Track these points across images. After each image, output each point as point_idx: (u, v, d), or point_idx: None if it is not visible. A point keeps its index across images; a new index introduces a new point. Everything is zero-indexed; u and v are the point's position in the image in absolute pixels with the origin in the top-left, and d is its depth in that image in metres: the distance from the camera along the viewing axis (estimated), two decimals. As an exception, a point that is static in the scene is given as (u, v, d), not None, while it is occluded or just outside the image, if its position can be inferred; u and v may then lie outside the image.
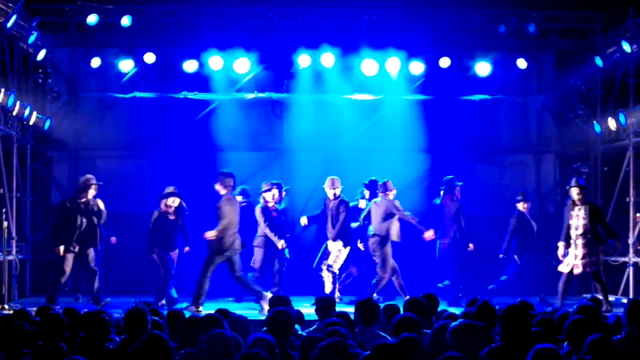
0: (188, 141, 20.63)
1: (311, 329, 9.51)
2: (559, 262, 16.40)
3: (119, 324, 9.15)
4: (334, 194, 17.30)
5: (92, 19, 18.59)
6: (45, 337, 8.28)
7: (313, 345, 7.30)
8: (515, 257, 17.94)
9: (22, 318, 8.91)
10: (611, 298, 16.54)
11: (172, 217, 16.93)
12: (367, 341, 8.59)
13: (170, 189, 17.14)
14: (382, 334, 8.94)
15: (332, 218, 17.27)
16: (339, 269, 17.28)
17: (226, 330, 7.87)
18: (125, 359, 7.38)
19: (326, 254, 17.34)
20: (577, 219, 15.99)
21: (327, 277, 17.05)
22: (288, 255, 17.88)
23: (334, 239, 17.16)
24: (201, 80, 19.98)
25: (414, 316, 8.54)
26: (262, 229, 17.73)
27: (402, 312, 9.39)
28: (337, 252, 17.12)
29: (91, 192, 16.57)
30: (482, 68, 19.53)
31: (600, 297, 15.17)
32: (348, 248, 17.18)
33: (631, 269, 17.54)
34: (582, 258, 15.82)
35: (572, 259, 15.91)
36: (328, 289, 16.95)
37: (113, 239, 18.06)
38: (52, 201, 20.34)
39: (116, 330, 9.06)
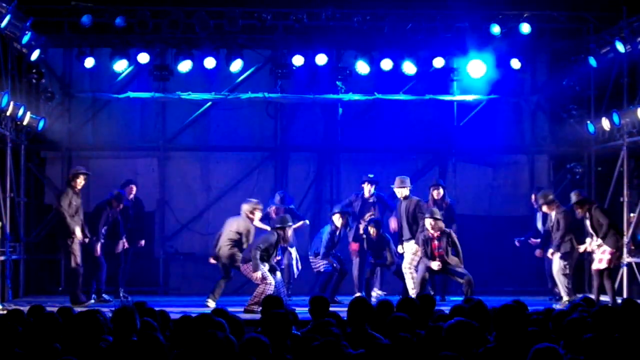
0: (182, 141, 20.63)
1: (305, 329, 9.49)
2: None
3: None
4: (402, 194, 17.21)
5: (85, 19, 18.55)
6: (40, 337, 8.27)
7: (306, 345, 7.29)
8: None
9: (16, 318, 8.90)
10: (605, 298, 16.56)
11: None
12: (360, 341, 8.57)
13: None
14: (376, 334, 8.92)
15: (408, 218, 17.16)
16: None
17: (219, 330, 7.85)
18: (118, 358, 7.37)
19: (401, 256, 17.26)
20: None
21: (410, 278, 16.87)
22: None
23: (409, 239, 17.07)
24: (195, 81, 19.97)
25: (406, 316, 8.53)
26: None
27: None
28: (414, 252, 17.00)
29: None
30: (476, 68, 19.52)
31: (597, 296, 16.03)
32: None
33: (625, 269, 17.55)
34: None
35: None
36: (410, 288, 16.78)
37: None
38: (46, 201, 20.34)
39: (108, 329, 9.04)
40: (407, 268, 16.96)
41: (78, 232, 16.98)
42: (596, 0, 19.36)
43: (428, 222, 16.32)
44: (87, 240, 17.17)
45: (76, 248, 16.88)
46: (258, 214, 17.05)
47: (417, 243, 16.70)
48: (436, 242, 16.26)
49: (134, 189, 18.74)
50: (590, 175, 20.03)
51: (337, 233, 17.48)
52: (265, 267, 15.88)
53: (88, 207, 18.23)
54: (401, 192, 17.25)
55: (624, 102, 18.11)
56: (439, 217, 16.36)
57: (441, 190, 18.30)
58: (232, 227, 16.81)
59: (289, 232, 16.24)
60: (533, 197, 18.53)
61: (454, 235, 16.48)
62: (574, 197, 16.95)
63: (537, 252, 18.07)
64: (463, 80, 19.95)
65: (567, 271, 17.17)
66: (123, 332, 7.99)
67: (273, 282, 15.77)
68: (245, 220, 16.82)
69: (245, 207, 16.85)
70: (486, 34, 19.20)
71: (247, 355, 6.99)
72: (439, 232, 16.26)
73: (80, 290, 16.85)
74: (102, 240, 17.70)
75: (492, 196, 20.81)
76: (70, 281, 17.08)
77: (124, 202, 17.90)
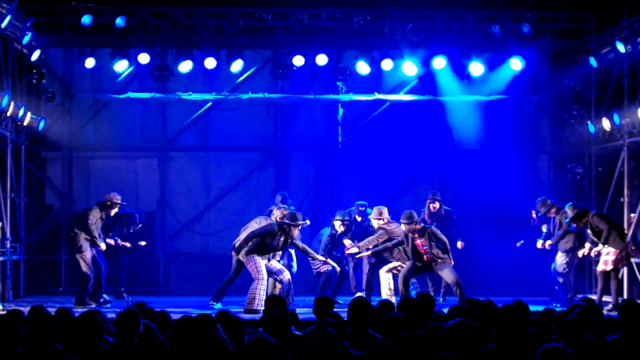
0: (182, 142, 20.63)
1: (308, 329, 9.49)
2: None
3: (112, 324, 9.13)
4: (378, 224, 17.09)
5: (86, 19, 18.55)
6: (40, 337, 8.26)
7: (304, 345, 7.28)
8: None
9: (16, 319, 8.90)
10: (607, 298, 16.56)
11: None
12: (360, 342, 8.57)
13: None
14: (376, 334, 8.92)
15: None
16: None
17: (218, 331, 7.86)
18: (119, 359, 7.36)
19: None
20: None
21: (385, 284, 16.94)
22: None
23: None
24: (195, 81, 19.96)
25: (402, 315, 8.53)
26: None
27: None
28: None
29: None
30: (476, 68, 19.51)
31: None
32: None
33: (625, 269, 17.53)
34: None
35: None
36: (385, 293, 16.82)
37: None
38: (46, 202, 20.35)
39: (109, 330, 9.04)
40: (384, 272, 16.94)
41: (103, 245, 17.05)
42: (596, 0, 19.36)
43: (403, 227, 16.31)
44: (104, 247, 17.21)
45: (87, 255, 16.84)
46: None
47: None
48: (418, 241, 16.23)
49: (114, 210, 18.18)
50: (590, 176, 20.02)
51: (336, 237, 17.47)
52: (263, 261, 15.83)
53: (87, 207, 18.18)
54: (378, 223, 17.06)
55: (624, 103, 18.12)
56: (413, 219, 16.28)
57: (437, 204, 18.24)
58: (257, 225, 16.70)
59: (296, 231, 16.15)
60: (534, 212, 18.41)
61: (434, 229, 16.44)
62: (569, 213, 16.89)
63: (539, 244, 17.96)
64: (463, 80, 19.91)
65: (567, 270, 17.18)
66: (126, 334, 7.99)
67: (265, 278, 15.73)
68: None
69: (277, 213, 16.74)
70: (487, 34, 19.20)
71: (253, 355, 6.97)
72: (417, 233, 16.23)
73: (87, 294, 16.82)
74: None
75: (493, 197, 20.78)
76: (80, 284, 17.02)
77: (120, 211, 17.78)
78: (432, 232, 16.25)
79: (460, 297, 15.60)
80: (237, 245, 16.29)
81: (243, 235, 16.49)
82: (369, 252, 16.83)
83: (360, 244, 16.85)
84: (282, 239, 15.91)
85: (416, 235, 16.16)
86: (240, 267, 16.22)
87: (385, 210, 16.96)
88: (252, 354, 6.98)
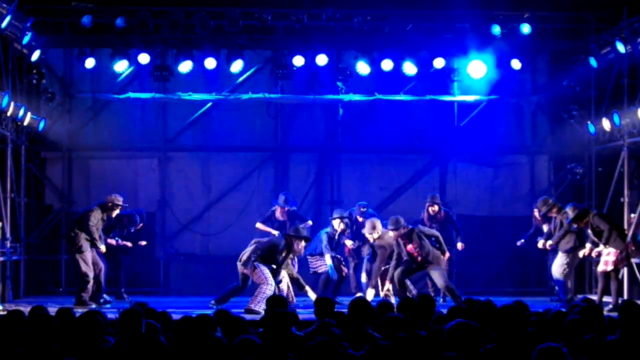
0: (182, 142, 20.63)
1: (308, 329, 9.49)
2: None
3: (114, 324, 9.13)
4: (373, 238, 16.92)
5: (86, 19, 18.56)
6: (40, 337, 8.27)
7: (305, 345, 7.28)
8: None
9: (16, 319, 8.90)
10: (607, 299, 16.55)
11: None
12: (361, 342, 8.57)
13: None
14: (377, 334, 8.92)
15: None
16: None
17: (218, 331, 7.86)
18: (120, 359, 7.36)
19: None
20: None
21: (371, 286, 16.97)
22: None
23: None
24: (195, 81, 19.95)
25: (401, 316, 8.54)
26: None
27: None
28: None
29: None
30: (476, 68, 19.50)
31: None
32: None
33: (625, 269, 17.53)
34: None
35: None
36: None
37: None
38: (46, 202, 20.35)
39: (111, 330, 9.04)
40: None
41: (103, 247, 17.06)
42: (596, 0, 19.36)
43: (391, 234, 16.28)
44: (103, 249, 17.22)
45: (87, 256, 16.85)
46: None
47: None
48: (409, 246, 16.18)
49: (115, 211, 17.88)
50: (590, 176, 20.01)
51: (335, 237, 17.44)
52: (267, 269, 15.77)
53: (88, 207, 18.18)
54: (372, 237, 16.95)
55: (624, 103, 18.12)
56: (399, 224, 16.21)
57: (436, 207, 18.19)
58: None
59: (300, 245, 16.09)
60: (536, 211, 18.39)
61: (420, 229, 16.39)
62: (570, 213, 16.89)
63: (540, 244, 17.95)
64: (463, 80, 19.93)
65: (567, 271, 17.20)
66: (128, 334, 7.99)
67: (273, 284, 15.68)
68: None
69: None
70: (486, 35, 19.19)
71: (242, 357, 6.97)
72: (405, 239, 16.19)
73: (87, 294, 16.81)
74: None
75: (493, 197, 20.79)
76: (80, 284, 17.01)
77: (121, 212, 17.77)
78: (418, 232, 16.21)
79: (454, 300, 15.59)
80: (244, 258, 16.17)
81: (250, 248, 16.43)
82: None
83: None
84: (283, 254, 15.89)
85: (405, 241, 16.11)
86: (247, 278, 16.15)
87: (378, 222, 16.72)
88: (237, 355, 6.98)
